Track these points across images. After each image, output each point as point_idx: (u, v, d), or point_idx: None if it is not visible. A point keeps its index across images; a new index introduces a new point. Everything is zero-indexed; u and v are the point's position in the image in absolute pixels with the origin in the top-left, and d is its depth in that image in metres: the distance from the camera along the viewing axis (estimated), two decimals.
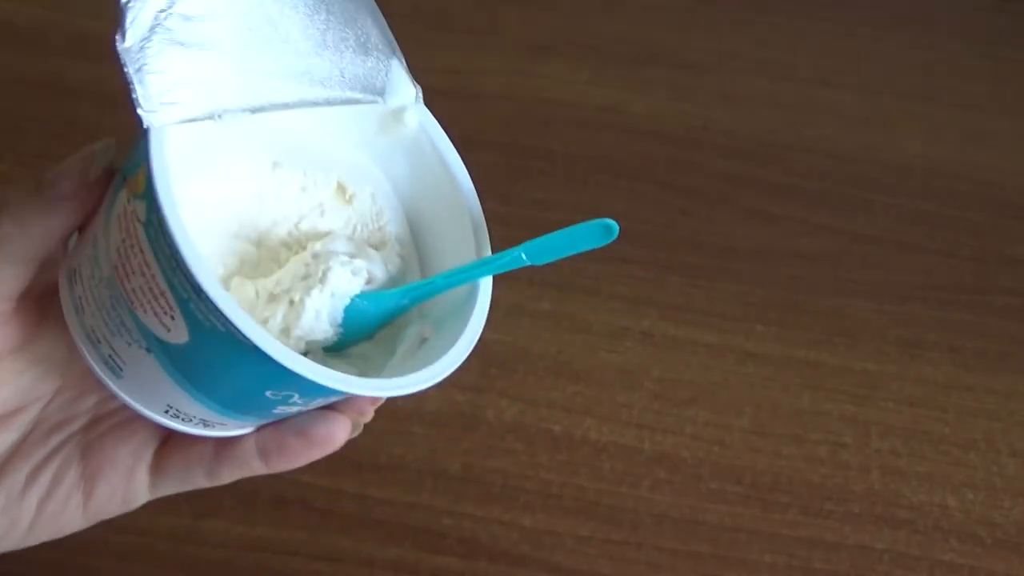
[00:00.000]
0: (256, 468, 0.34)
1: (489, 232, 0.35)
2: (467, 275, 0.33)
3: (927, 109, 0.71)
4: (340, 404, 0.34)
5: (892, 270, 0.64)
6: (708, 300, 0.62)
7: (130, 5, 0.29)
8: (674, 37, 0.73)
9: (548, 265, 0.35)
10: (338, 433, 0.34)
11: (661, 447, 0.57)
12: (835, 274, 0.64)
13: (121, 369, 0.31)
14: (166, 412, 0.32)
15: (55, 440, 0.35)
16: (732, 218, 0.65)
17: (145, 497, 0.36)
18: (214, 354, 0.29)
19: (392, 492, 0.55)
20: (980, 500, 0.57)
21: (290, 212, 0.34)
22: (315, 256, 0.33)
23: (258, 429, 0.34)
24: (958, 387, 0.60)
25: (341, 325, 0.33)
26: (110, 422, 0.36)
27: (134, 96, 0.29)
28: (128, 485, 0.35)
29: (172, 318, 0.29)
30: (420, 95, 0.35)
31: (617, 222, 0.32)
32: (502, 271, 0.33)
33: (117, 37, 0.29)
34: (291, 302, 0.32)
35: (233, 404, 0.31)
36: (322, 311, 0.32)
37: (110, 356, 0.31)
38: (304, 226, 0.34)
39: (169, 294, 0.28)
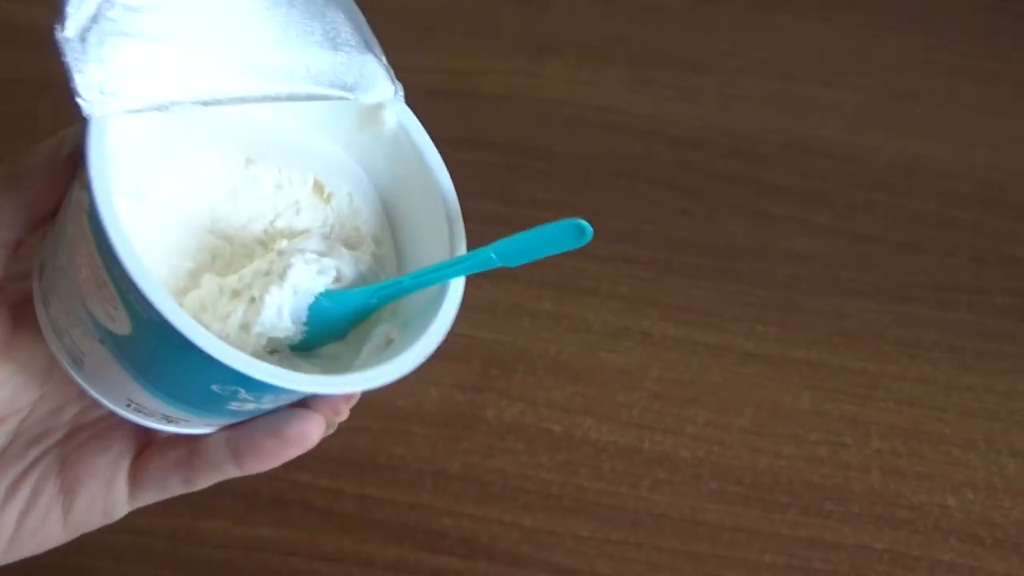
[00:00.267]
0: (230, 471, 0.34)
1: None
2: (436, 275, 0.33)
3: (927, 109, 0.71)
4: (313, 402, 0.33)
5: (892, 270, 0.64)
6: (708, 300, 0.62)
7: None
8: (674, 37, 0.73)
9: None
10: (311, 431, 0.33)
11: (661, 447, 0.57)
12: (835, 274, 0.64)
13: (83, 361, 0.31)
14: (128, 406, 0.32)
15: (34, 453, 0.35)
16: (732, 218, 0.65)
17: (125, 508, 0.35)
18: (154, 346, 0.29)
19: (392, 492, 0.55)
20: (980, 500, 0.57)
21: (266, 210, 0.34)
22: (280, 253, 0.32)
23: (229, 428, 0.34)
24: (958, 387, 0.60)
25: (306, 323, 0.32)
26: (87, 433, 0.36)
27: (72, 85, 0.28)
28: (107, 496, 0.35)
29: (116, 308, 0.29)
30: (400, 92, 0.35)
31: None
32: (473, 272, 0.33)
33: (57, 26, 0.28)
34: (252, 299, 0.32)
35: (185, 398, 0.31)
36: (284, 308, 0.32)
37: (72, 348, 0.31)
38: (280, 224, 0.34)
39: (111, 285, 0.28)
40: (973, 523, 0.56)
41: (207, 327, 0.30)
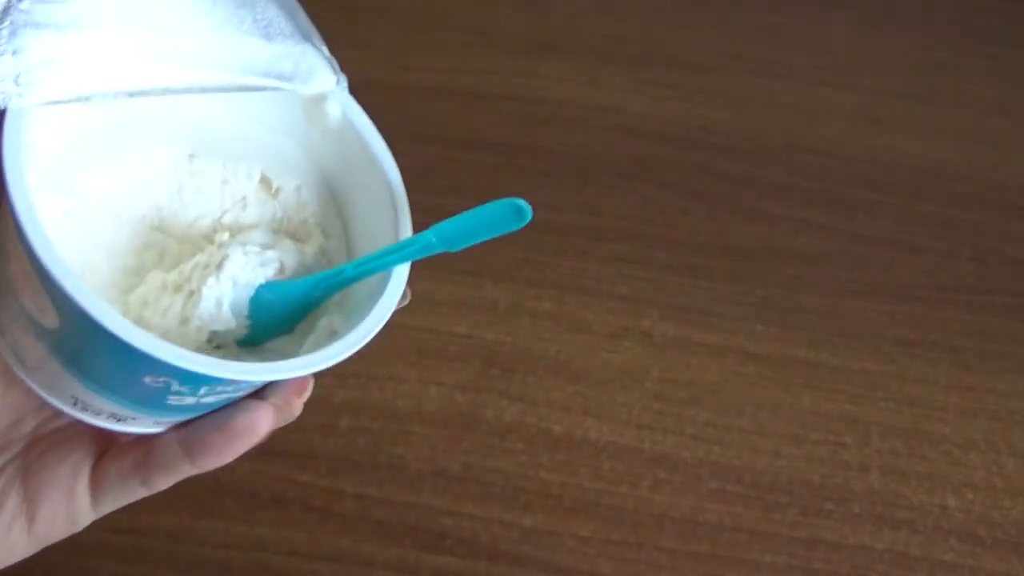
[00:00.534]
0: (186, 469, 0.33)
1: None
2: (379, 263, 0.32)
3: (927, 109, 0.71)
4: (264, 392, 0.33)
5: (892, 270, 0.64)
6: (708, 300, 0.62)
7: None
8: (674, 37, 0.73)
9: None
10: (259, 421, 0.32)
11: (661, 447, 0.57)
12: (835, 274, 0.64)
13: (25, 358, 0.31)
14: (74, 404, 0.32)
15: None
16: (732, 218, 0.65)
17: (89, 516, 0.35)
18: (80, 337, 0.29)
19: (392, 492, 0.55)
20: (980, 500, 0.57)
21: (213, 206, 0.34)
22: (219, 246, 0.32)
23: (181, 426, 0.33)
24: (958, 387, 0.61)
25: (249, 316, 0.32)
26: (47, 443, 0.35)
27: None
28: (70, 505, 0.34)
29: (42, 301, 0.28)
30: (344, 82, 0.34)
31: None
32: (414, 258, 0.32)
33: None
34: (191, 292, 0.31)
35: (122, 392, 0.31)
36: (223, 300, 0.31)
37: (15, 345, 0.31)
38: (227, 220, 0.34)
39: (35, 277, 0.28)
40: (973, 523, 0.56)
41: (148, 322, 0.30)
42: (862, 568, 0.55)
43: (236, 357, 0.31)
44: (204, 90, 0.32)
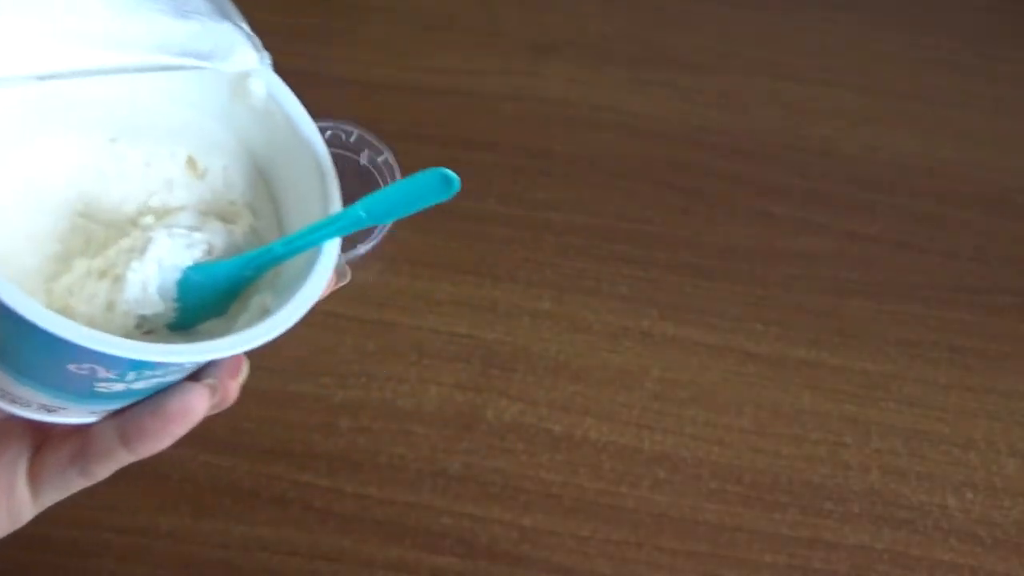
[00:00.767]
0: (123, 456, 0.33)
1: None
2: (308, 239, 0.32)
3: (927, 109, 0.71)
4: (199, 376, 0.33)
5: (892, 270, 0.64)
6: (708, 300, 0.62)
7: None
8: (674, 37, 0.73)
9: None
10: (193, 403, 0.31)
11: (661, 447, 0.57)
12: (835, 274, 0.64)
13: None
14: (3, 397, 0.32)
15: None
16: (732, 218, 0.65)
17: (31, 511, 0.35)
18: (0, 328, 0.28)
19: (392, 492, 0.55)
20: (980, 500, 0.57)
21: (137, 189, 0.33)
22: (144, 229, 0.32)
23: (116, 414, 0.33)
24: (958, 387, 0.61)
25: (177, 299, 0.32)
26: None
27: None
28: (10, 500, 0.34)
29: None
30: (268, 60, 0.34)
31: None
32: (344, 233, 0.32)
33: None
34: (116, 277, 0.31)
35: (49, 382, 0.30)
36: (149, 283, 0.31)
37: None
38: (154, 203, 0.33)
39: None
40: (973, 523, 0.56)
41: (74, 310, 0.30)
42: (862, 568, 0.55)
43: (166, 341, 0.31)
44: (118, 71, 0.31)
